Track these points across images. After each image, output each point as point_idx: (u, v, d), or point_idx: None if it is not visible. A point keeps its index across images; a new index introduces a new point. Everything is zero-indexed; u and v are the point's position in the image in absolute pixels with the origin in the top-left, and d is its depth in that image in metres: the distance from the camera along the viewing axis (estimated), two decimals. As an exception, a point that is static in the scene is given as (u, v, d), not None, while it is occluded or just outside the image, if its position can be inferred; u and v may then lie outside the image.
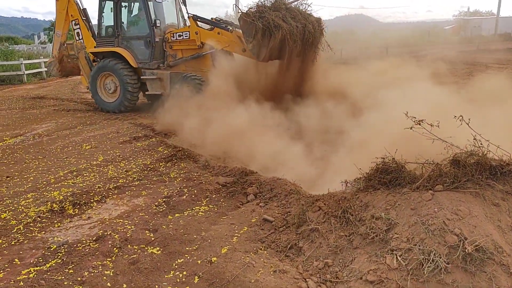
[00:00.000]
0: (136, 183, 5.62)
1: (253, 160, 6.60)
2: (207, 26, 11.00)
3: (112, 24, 11.47)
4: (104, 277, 3.31)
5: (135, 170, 6.19)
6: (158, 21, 11.09)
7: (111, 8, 11.45)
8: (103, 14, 11.56)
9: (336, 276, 3.24)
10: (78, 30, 12.23)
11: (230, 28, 10.53)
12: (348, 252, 3.41)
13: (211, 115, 8.47)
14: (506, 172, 3.48)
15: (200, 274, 3.24)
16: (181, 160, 6.64)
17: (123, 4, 11.51)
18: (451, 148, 3.61)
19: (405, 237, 3.18)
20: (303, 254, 3.58)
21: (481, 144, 3.50)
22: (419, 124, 3.68)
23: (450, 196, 3.35)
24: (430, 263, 2.89)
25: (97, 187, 5.46)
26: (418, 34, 34.96)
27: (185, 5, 12.34)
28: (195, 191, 5.21)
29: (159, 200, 4.93)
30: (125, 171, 6.15)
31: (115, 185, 5.54)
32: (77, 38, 12.24)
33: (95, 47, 11.77)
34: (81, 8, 12.25)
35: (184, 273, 3.29)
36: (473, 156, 3.50)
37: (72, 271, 3.43)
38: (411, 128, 3.67)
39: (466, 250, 2.88)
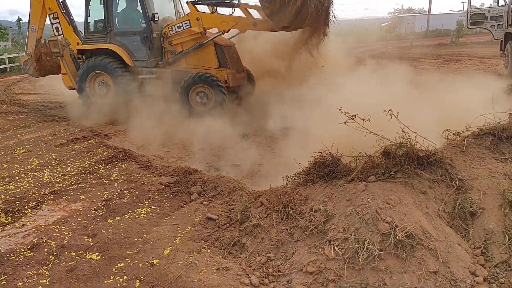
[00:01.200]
0: (74, 187, 5.43)
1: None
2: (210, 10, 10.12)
3: (103, 18, 10.41)
4: (40, 287, 3.19)
5: (72, 173, 5.98)
6: (156, 15, 10.06)
7: (101, 0, 10.37)
8: (89, 7, 10.54)
9: (278, 269, 3.32)
10: (58, 25, 11.06)
11: (236, 2, 9.81)
12: (289, 246, 3.49)
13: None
14: (432, 162, 3.70)
15: (142, 277, 3.20)
16: (122, 162, 6.49)
17: None
18: (382, 140, 3.79)
19: (341, 227, 3.31)
20: (246, 250, 3.63)
21: (409, 136, 3.70)
22: (353, 119, 3.83)
23: (382, 186, 3.52)
24: (365, 251, 3.03)
25: (31, 193, 5.22)
26: (356, 31, 36.10)
27: None
28: (137, 192, 5.12)
29: (99, 203, 4.80)
30: (62, 175, 5.92)
31: (51, 190, 5.32)
32: (57, 34, 11.03)
33: (82, 43, 10.72)
34: (60, 1, 11.15)
35: (125, 277, 3.24)
36: (402, 147, 3.69)
37: (4, 282, 3.27)
38: (345, 123, 3.82)
39: (397, 237, 3.05)
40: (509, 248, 3.11)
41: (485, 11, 14.98)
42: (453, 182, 3.61)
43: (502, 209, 3.34)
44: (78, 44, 10.78)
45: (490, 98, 5.74)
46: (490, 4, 15.87)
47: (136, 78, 10.23)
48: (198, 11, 9.95)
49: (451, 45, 30.11)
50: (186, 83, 9.74)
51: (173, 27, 10.09)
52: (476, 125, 4.36)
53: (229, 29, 9.98)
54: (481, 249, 3.18)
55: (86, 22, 10.61)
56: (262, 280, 3.22)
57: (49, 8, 10.95)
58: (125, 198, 4.94)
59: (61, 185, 5.52)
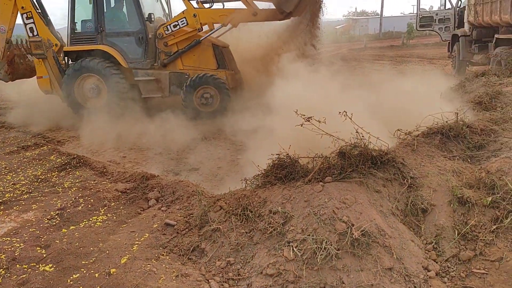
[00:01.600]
0: (25, 196, 5.22)
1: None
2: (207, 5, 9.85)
3: (92, 18, 9.89)
4: (-11, 303, 3.04)
5: (24, 182, 5.74)
6: (152, 15, 9.75)
7: (90, 0, 9.84)
8: (75, 6, 9.95)
9: (238, 273, 3.31)
10: (32, 25, 10.14)
11: None
12: (249, 249, 3.50)
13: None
14: (385, 161, 3.81)
15: (98, 287, 3.12)
16: (76, 168, 6.29)
17: None
18: (338, 141, 3.87)
19: (300, 228, 3.35)
20: (206, 255, 3.60)
21: (363, 136, 3.80)
22: (309, 121, 3.90)
23: (338, 186, 3.60)
24: (323, 251, 3.08)
25: (-21, 204, 4.97)
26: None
27: None
28: (92, 200, 4.97)
29: (52, 213, 4.62)
30: (12, 184, 5.67)
31: (0, 200, 5.08)
32: (31, 34, 10.16)
33: (68, 45, 10.05)
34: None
35: (81, 288, 3.14)
36: (356, 148, 3.78)
37: (-50, 301, 3.10)
38: (301, 125, 3.88)
39: (354, 236, 3.12)
40: (458, 243, 3.25)
41: (433, 14, 15.61)
42: (405, 180, 3.73)
43: (451, 205, 3.48)
44: (56, 45, 10.20)
45: (438, 98, 5.99)
46: (438, 7, 16.55)
47: (130, 80, 9.89)
48: (194, 7, 9.70)
49: (403, 47, 31.17)
50: (192, 84, 9.52)
51: (169, 26, 9.76)
52: (426, 125, 4.54)
53: (228, 22, 9.72)
54: (432, 244, 3.30)
55: (73, 22, 10.03)
56: (222, 285, 3.21)
57: (22, 7, 10.12)
58: (80, 207, 4.79)
59: (12, 194, 5.28)
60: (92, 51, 9.85)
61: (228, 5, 10.15)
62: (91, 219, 4.47)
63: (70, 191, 5.33)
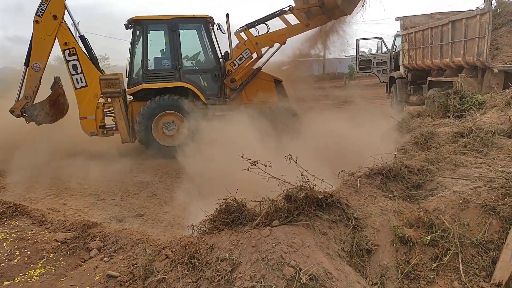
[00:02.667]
0: (-47, 252, 4.81)
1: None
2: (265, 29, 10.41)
3: (170, 55, 9.98)
4: None
5: (-49, 236, 5.30)
6: (228, 53, 9.99)
7: (167, 38, 9.94)
8: (148, 44, 9.87)
9: (185, 325, 3.19)
10: (76, 62, 9.57)
11: (287, 8, 10.19)
12: (197, 299, 3.40)
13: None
14: (330, 203, 3.89)
15: None
16: (12, 218, 5.90)
17: (181, 33, 9.98)
18: (284, 184, 3.92)
19: (248, 275, 3.30)
20: (151, 307, 3.46)
21: (308, 179, 3.88)
22: (255, 165, 3.93)
23: (285, 230, 3.61)
24: (271, 298, 3.04)
25: None
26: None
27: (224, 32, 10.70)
28: (29, 252, 4.67)
29: (-17, 269, 4.28)
30: None
31: None
32: (74, 72, 9.59)
33: (144, 82, 9.79)
34: (79, 35, 9.89)
35: None
36: (302, 190, 3.84)
37: None
38: (247, 169, 3.90)
39: (302, 281, 3.11)
40: (402, 282, 3.33)
41: (372, 58, 16.57)
42: (350, 222, 3.81)
43: (394, 245, 3.59)
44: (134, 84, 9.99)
45: (378, 139, 6.26)
46: (376, 51, 17.57)
47: (207, 116, 9.75)
48: (254, 36, 10.16)
49: (345, 87, 32.57)
50: (271, 114, 9.94)
51: (235, 61, 10.07)
52: (367, 166, 4.71)
53: (286, 40, 10.46)
54: (378, 285, 3.36)
55: (146, 60, 9.93)
56: None
57: (65, 43, 9.53)
58: (15, 260, 4.48)
59: None
60: (167, 89, 9.81)
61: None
62: (27, 273, 4.19)
63: (4, 243, 4.98)
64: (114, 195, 7.08)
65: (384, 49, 16.54)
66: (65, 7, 9.43)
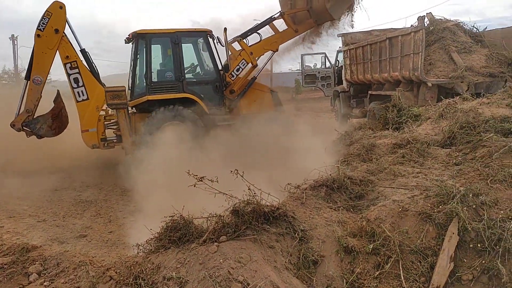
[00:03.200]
0: None
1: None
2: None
3: (173, 67, 10.28)
4: None
5: None
6: (228, 65, 10.30)
7: (169, 50, 10.24)
8: (152, 57, 10.08)
9: None
10: (77, 76, 9.57)
11: (276, 16, 10.58)
12: (143, 320, 3.31)
13: None
14: (277, 216, 3.94)
15: None
16: None
17: (183, 46, 10.38)
18: (231, 199, 3.93)
19: (195, 293, 3.26)
20: (95, 332, 3.33)
21: (255, 193, 3.91)
22: (201, 181, 3.92)
23: (233, 245, 3.61)
24: (219, 315, 3.02)
25: None
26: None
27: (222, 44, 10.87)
28: (-40, 281, 4.36)
29: None
30: None
31: None
32: (75, 86, 9.58)
33: (148, 93, 9.92)
34: (80, 48, 9.81)
35: None
36: (249, 205, 3.86)
37: None
38: (194, 185, 3.88)
39: (249, 295, 3.12)
40: (347, 291, 3.42)
41: (316, 72, 17.06)
42: (296, 234, 3.87)
43: (339, 255, 3.69)
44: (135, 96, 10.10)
45: (323, 151, 6.43)
46: (320, 65, 18.10)
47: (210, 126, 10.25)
48: (249, 46, 10.53)
49: (292, 101, 33.21)
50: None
51: (233, 73, 10.38)
52: (312, 178, 4.82)
53: (278, 47, 10.91)
54: (324, 295, 3.43)
55: (150, 72, 10.11)
56: None
57: (67, 57, 9.54)
58: None
59: None
60: (171, 100, 10.01)
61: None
62: (-42, 304, 3.90)
63: None
64: (56, 216, 6.77)
65: (328, 64, 17.09)
66: (67, 21, 9.54)
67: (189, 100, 10.17)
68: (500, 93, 7.04)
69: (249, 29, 11.04)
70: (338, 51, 16.23)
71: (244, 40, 10.97)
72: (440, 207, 3.79)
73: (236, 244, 3.65)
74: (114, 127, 10.20)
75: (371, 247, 3.66)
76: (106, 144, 10.09)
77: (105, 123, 10.16)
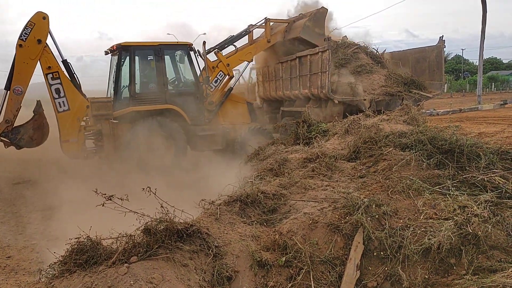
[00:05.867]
0: None
1: None
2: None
3: (156, 79, 10.56)
4: None
5: None
6: (208, 77, 10.61)
7: (153, 63, 10.50)
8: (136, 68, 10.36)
9: None
10: (59, 86, 9.63)
11: (259, 23, 10.94)
12: None
13: None
14: (191, 233, 3.88)
15: None
16: None
17: (166, 58, 10.66)
18: (143, 218, 3.80)
19: (103, 319, 3.09)
20: None
21: (168, 210, 3.83)
22: (110, 200, 3.74)
23: (144, 266, 3.48)
24: None
25: None
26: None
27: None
28: None
29: None
30: None
31: None
32: (56, 96, 9.59)
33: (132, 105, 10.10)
34: (62, 59, 9.90)
35: None
36: (162, 223, 3.77)
37: None
38: (102, 205, 3.70)
39: (162, 316, 3.02)
40: (261, 306, 3.45)
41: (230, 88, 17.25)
42: (211, 250, 3.84)
43: (253, 269, 3.72)
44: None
45: (238, 166, 6.50)
46: (235, 82, 18.31)
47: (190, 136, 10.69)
48: (225, 57, 10.89)
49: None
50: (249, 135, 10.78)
51: (211, 84, 10.60)
52: (227, 193, 4.84)
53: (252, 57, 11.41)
54: (238, 311, 3.43)
55: (134, 83, 10.31)
56: None
57: (48, 67, 9.56)
58: None
59: None
60: (155, 111, 10.26)
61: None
62: None
63: None
64: None
65: (242, 81, 17.38)
66: (49, 31, 9.59)
67: (172, 111, 10.53)
68: (398, 110, 7.67)
69: (226, 41, 11.54)
70: (252, 68, 16.61)
71: (221, 51, 11.52)
72: (347, 218, 4.00)
73: (148, 264, 3.52)
74: (94, 137, 10.34)
75: (284, 259, 3.74)
76: (85, 155, 10.21)
77: (85, 133, 10.25)
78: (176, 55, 11.20)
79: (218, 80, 11.17)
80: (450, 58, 74.89)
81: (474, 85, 47.90)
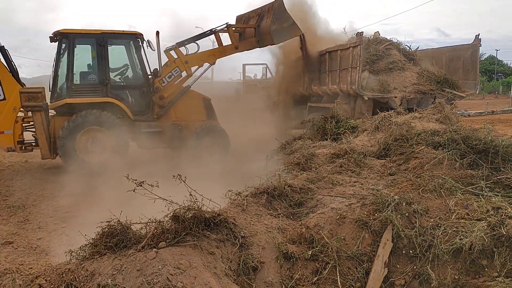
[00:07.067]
0: None
1: None
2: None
3: (97, 70, 9.84)
4: None
5: None
6: (157, 70, 10.04)
7: (94, 52, 9.79)
8: (75, 58, 9.65)
9: None
10: None
11: (220, 28, 10.26)
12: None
13: None
14: (218, 222, 3.91)
15: None
16: None
17: (109, 48, 9.92)
18: (171, 205, 3.85)
19: (132, 301, 3.15)
20: None
21: (196, 199, 3.86)
22: (141, 186, 3.81)
23: (172, 252, 3.53)
24: (157, 323, 2.93)
25: None
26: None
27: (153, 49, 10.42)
28: None
29: None
30: None
31: None
32: None
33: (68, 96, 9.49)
34: None
35: None
36: (190, 210, 3.81)
37: None
38: (133, 190, 3.76)
39: (188, 302, 3.06)
40: (286, 297, 3.45)
41: (257, 83, 17.27)
42: (237, 240, 3.86)
43: (278, 261, 3.72)
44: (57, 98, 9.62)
45: (265, 159, 6.50)
46: (261, 76, 18.34)
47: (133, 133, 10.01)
48: (185, 54, 10.25)
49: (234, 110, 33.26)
50: (201, 133, 10.32)
51: (164, 79, 10.01)
52: (254, 185, 4.85)
53: (215, 61, 10.63)
54: (263, 302, 3.44)
55: (72, 74, 9.70)
56: None
57: None
58: None
59: None
60: (93, 104, 9.66)
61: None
62: None
63: None
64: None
65: (269, 75, 17.35)
66: None
67: (112, 105, 9.84)
68: (431, 108, 7.51)
69: (186, 39, 10.77)
70: (280, 63, 16.53)
71: (182, 48, 10.69)
72: (376, 214, 3.95)
73: (176, 250, 3.57)
74: (33, 129, 9.67)
75: (310, 253, 3.73)
76: (23, 147, 9.65)
77: (24, 125, 9.69)
78: (123, 45, 10.50)
79: (172, 76, 10.38)
80: (483, 59, 72.94)
81: (508, 87, 46.55)
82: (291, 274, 3.63)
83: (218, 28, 10.70)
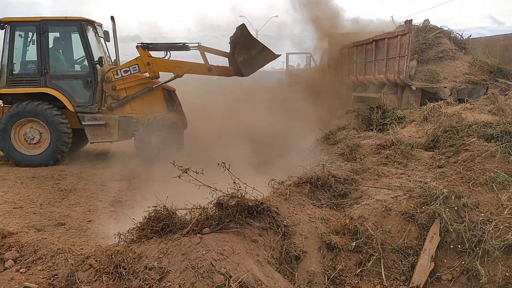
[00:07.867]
0: None
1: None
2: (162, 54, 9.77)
3: (36, 59, 9.30)
4: None
5: None
6: (102, 59, 9.40)
7: (33, 41, 9.28)
8: (14, 46, 9.27)
9: (108, 338, 3.05)
10: None
11: (190, 45, 9.65)
12: (121, 310, 3.26)
13: None
14: (261, 210, 3.93)
15: None
16: None
17: (50, 35, 9.42)
18: (215, 192, 3.90)
19: (177, 283, 3.23)
20: (71, 321, 3.27)
21: (240, 187, 3.90)
22: (186, 173, 3.88)
23: (216, 238, 3.59)
24: (201, 306, 3.00)
25: None
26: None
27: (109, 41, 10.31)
28: None
29: None
30: None
31: None
32: None
33: (6, 86, 9.19)
34: None
35: None
36: (233, 198, 3.84)
37: None
38: (179, 176, 3.84)
39: (232, 288, 3.11)
40: None
41: (301, 72, 17.11)
42: (280, 229, 3.87)
43: (321, 251, 3.70)
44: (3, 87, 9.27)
45: (308, 149, 6.45)
46: (304, 65, 18.11)
47: (75, 125, 9.57)
48: (148, 56, 9.59)
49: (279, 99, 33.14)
50: (149, 127, 9.46)
51: (119, 71, 9.52)
52: (297, 175, 4.83)
53: (183, 74, 9.77)
54: (305, 290, 3.44)
55: (11, 63, 9.35)
56: None
57: None
58: None
59: None
60: (33, 94, 9.27)
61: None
62: None
63: None
64: (33, 203, 6.60)
65: (313, 64, 17.14)
66: None
67: (49, 96, 9.39)
68: (483, 99, 7.18)
69: (156, 43, 10.19)
70: (324, 52, 16.30)
71: (161, 53, 10.01)
72: (423, 207, 3.84)
73: (219, 236, 3.62)
74: None
75: (354, 244, 3.68)
76: None
77: None
78: (65, 33, 9.89)
79: (129, 72, 9.62)
80: (542, 48, 68.64)
81: None
82: (334, 265, 3.61)
83: (189, 45, 9.96)
